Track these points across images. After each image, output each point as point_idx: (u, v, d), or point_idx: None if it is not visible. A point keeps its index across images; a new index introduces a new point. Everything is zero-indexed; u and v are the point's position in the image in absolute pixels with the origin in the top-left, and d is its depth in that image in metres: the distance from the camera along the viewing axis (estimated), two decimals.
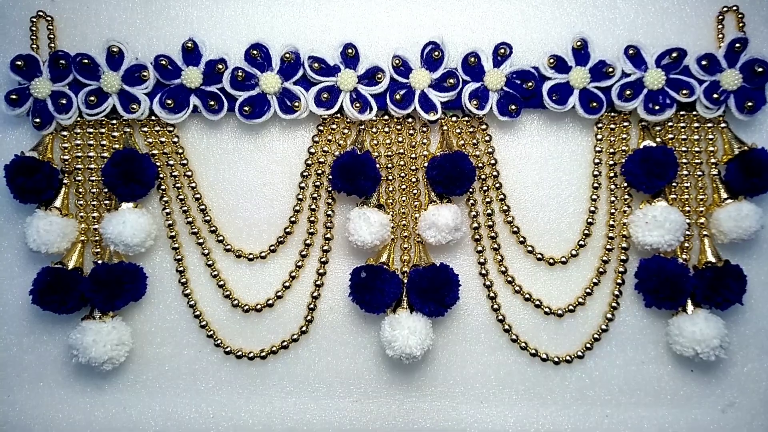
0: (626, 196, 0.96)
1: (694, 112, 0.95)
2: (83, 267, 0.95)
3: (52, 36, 0.96)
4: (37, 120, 0.94)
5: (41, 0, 0.97)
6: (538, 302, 0.97)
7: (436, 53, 0.93)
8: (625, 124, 0.96)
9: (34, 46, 0.96)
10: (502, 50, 0.93)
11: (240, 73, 0.93)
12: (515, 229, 0.96)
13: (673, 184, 0.95)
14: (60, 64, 0.93)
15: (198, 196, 0.97)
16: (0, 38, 0.97)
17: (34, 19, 0.96)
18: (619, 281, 0.96)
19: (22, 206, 0.95)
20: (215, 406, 0.98)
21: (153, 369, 0.98)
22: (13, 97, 0.94)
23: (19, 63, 0.93)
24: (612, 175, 0.96)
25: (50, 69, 0.94)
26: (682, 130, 0.95)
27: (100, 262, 0.95)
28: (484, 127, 0.96)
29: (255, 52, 0.93)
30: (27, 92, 0.94)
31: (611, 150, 0.96)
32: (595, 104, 0.94)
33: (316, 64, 0.93)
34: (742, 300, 0.93)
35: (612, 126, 0.96)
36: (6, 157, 0.93)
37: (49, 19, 0.96)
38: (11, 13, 0.97)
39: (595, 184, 0.96)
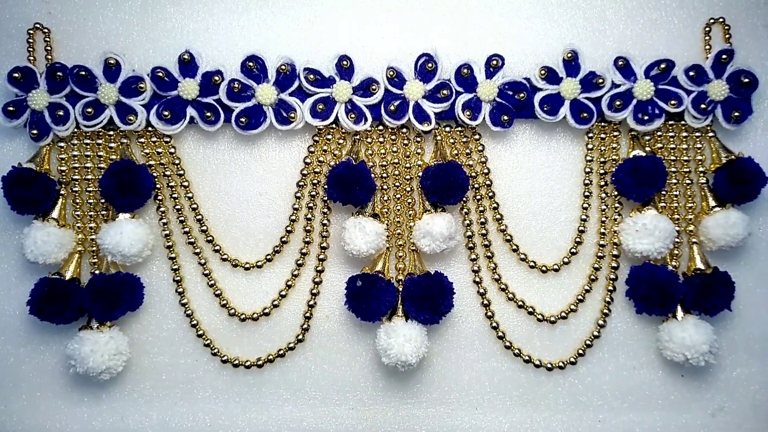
0: (617, 205, 0.97)
1: (683, 122, 0.97)
2: (81, 277, 0.96)
3: (49, 48, 0.97)
4: (35, 131, 0.94)
5: (38, 12, 0.98)
6: (531, 309, 0.98)
7: (430, 65, 0.94)
8: (615, 133, 0.97)
9: (31, 58, 0.96)
10: (495, 62, 0.95)
11: (236, 85, 0.94)
12: (508, 237, 0.98)
13: (663, 192, 0.97)
14: (57, 76, 0.94)
15: (194, 206, 0.97)
16: None
17: (31, 32, 0.97)
18: (610, 288, 0.98)
19: (20, 217, 0.95)
20: (212, 414, 0.98)
21: (150, 378, 0.98)
22: (11, 108, 0.94)
23: (16, 75, 0.94)
24: (603, 183, 0.98)
25: (47, 81, 0.94)
26: (671, 139, 0.97)
27: (97, 272, 0.96)
28: (477, 137, 0.97)
29: (251, 63, 0.94)
30: (24, 104, 0.94)
31: (602, 159, 0.98)
32: (585, 114, 0.95)
33: (312, 76, 0.94)
34: (730, 306, 0.94)
35: (602, 136, 0.98)
36: (3, 169, 0.94)
37: (46, 31, 0.97)
38: (8, 25, 0.98)
39: (586, 193, 0.98)
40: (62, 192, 0.96)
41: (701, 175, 0.97)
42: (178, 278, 0.98)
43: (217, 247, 0.98)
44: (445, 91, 0.94)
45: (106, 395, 0.98)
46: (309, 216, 0.97)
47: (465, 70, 0.95)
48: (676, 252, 0.97)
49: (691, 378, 0.98)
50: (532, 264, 0.98)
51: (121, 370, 0.95)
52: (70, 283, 0.94)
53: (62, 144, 0.96)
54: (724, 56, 0.95)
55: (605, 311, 0.98)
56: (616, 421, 0.98)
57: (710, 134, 0.97)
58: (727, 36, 0.98)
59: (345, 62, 0.94)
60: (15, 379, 0.98)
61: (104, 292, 0.93)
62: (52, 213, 0.95)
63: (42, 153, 0.96)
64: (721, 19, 0.98)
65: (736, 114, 0.95)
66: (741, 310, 0.98)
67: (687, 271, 0.97)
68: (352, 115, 0.95)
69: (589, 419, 0.98)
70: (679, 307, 0.95)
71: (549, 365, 0.98)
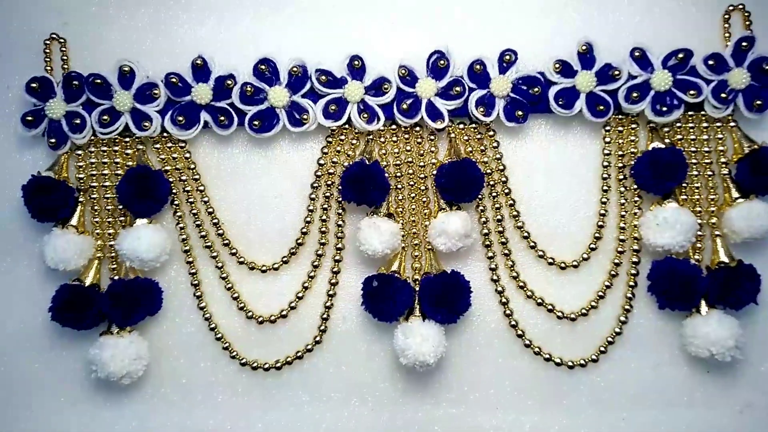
0: (636, 198, 0.96)
1: (703, 112, 0.94)
2: (100, 283, 0.97)
3: (65, 58, 0.98)
4: (53, 140, 0.96)
5: (54, 23, 0.99)
6: (550, 307, 0.96)
7: (442, 62, 0.93)
8: (633, 126, 0.96)
9: (48, 68, 0.98)
10: (508, 57, 0.94)
11: (249, 88, 0.94)
12: (525, 234, 0.96)
13: (684, 184, 0.94)
14: (73, 85, 0.95)
15: (211, 210, 0.98)
16: (15, 61, 0.99)
17: (48, 42, 0.98)
18: (631, 284, 0.96)
19: (40, 225, 0.97)
20: (232, 417, 0.98)
21: (170, 382, 0.99)
22: (29, 118, 0.96)
23: (33, 85, 0.95)
24: (621, 177, 0.96)
25: (64, 90, 0.96)
26: (691, 130, 0.95)
27: (116, 278, 0.97)
28: (491, 133, 0.96)
29: (263, 66, 0.94)
30: (42, 113, 0.96)
31: (620, 152, 0.96)
32: (602, 107, 0.94)
33: (324, 77, 0.94)
34: (756, 299, 0.92)
35: (620, 128, 0.96)
36: (23, 177, 0.95)
37: (62, 41, 0.98)
38: (26, 36, 0.99)
39: (605, 187, 0.96)
40: (81, 199, 0.97)
41: (723, 165, 0.95)
42: (196, 282, 0.98)
43: (234, 251, 0.98)
44: (457, 88, 0.94)
45: (128, 399, 0.99)
46: (324, 217, 0.97)
47: (477, 66, 0.94)
48: (698, 245, 0.94)
49: (716, 374, 0.96)
50: (550, 261, 0.96)
51: (141, 374, 0.96)
52: (90, 289, 0.95)
53: (80, 152, 0.97)
54: (744, 43, 0.93)
55: (627, 307, 0.96)
56: (640, 420, 0.96)
57: (731, 124, 0.95)
58: (747, 23, 0.95)
59: (356, 62, 0.94)
60: (38, 384, 0.99)
61: (123, 297, 0.94)
62: (71, 220, 0.96)
63: (60, 161, 0.97)
64: (740, 6, 0.96)
65: (758, 102, 0.93)
66: (767, 303, 0.95)
67: (710, 264, 0.94)
68: (365, 115, 0.94)
69: (612, 418, 0.96)
70: (703, 302, 0.93)
71: (570, 364, 0.96)
